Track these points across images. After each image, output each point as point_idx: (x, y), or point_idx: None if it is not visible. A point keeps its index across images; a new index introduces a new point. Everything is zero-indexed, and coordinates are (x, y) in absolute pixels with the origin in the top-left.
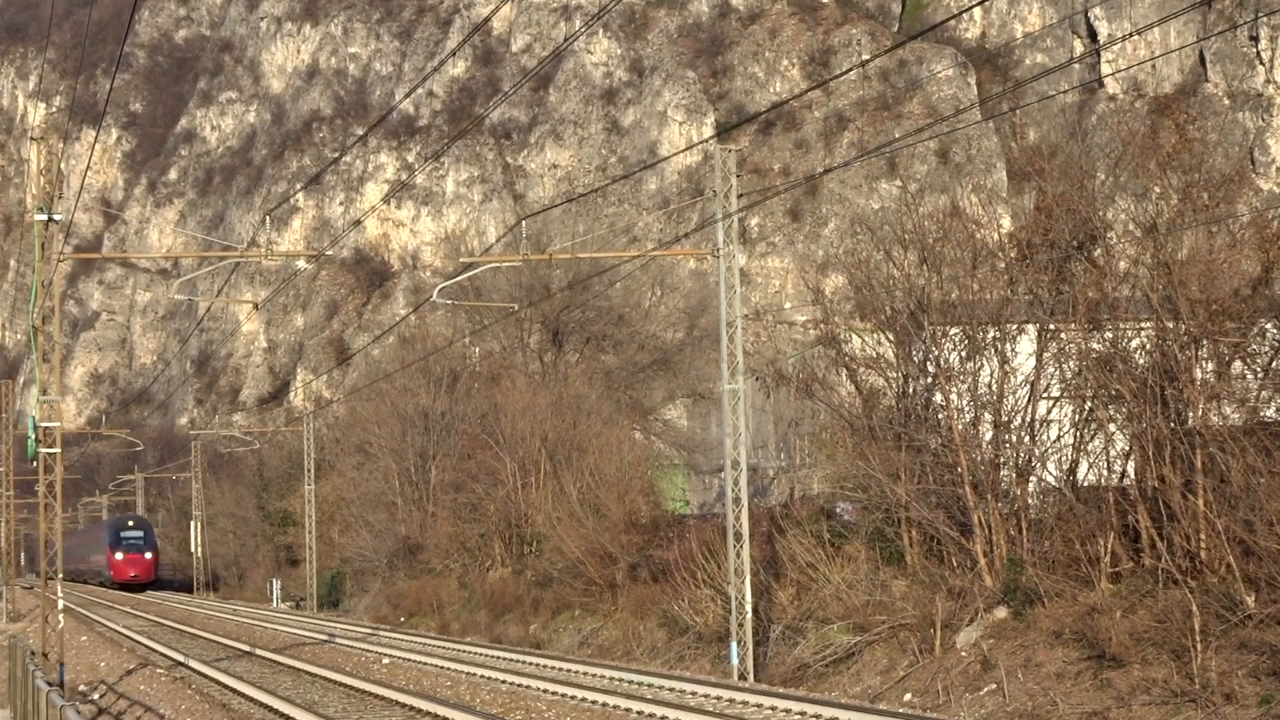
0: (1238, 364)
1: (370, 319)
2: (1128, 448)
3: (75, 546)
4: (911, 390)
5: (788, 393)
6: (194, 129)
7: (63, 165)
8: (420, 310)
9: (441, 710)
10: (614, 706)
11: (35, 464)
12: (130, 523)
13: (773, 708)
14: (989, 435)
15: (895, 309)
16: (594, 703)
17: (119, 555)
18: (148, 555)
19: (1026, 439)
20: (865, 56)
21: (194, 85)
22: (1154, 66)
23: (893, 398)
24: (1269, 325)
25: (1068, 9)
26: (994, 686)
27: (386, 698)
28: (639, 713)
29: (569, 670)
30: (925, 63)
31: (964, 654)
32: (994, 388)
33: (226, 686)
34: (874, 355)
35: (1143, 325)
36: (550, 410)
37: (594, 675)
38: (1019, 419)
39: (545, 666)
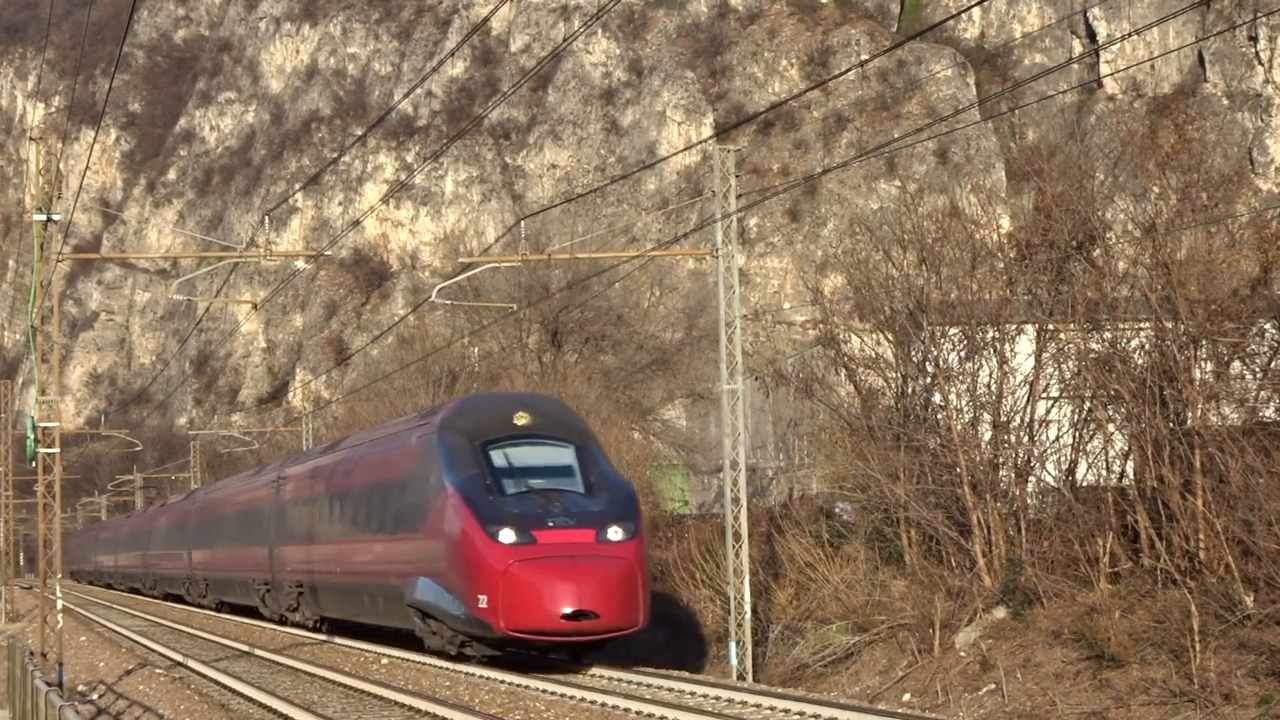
0: (1236, 364)
1: (369, 319)
2: (1127, 448)
3: (343, 505)
4: (910, 390)
5: (787, 393)
6: (193, 129)
7: (61, 165)
8: (419, 310)
9: (441, 710)
10: (613, 706)
11: (34, 464)
12: (520, 416)
13: (771, 708)
14: (988, 435)
15: (894, 309)
16: (593, 703)
17: (508, 536)
18: (615, 534)
19: (1025, 439)
20: (864, 56)
21: (193, 85)
22: (1153, 67)
23: (892, 398)
24: (1268, 325)
25: (1067, 9)
26: (993, 686)
27: (386, 698)
28: (638, 713)
29: (568, 670)
30: (924, 63)
31: (963, 654)
32: (993, 388)
33: (225, 686)
34: (873, 355)
35: (1141, 325)
36: None
37: (593, 675)
38: (1018, 419)
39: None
